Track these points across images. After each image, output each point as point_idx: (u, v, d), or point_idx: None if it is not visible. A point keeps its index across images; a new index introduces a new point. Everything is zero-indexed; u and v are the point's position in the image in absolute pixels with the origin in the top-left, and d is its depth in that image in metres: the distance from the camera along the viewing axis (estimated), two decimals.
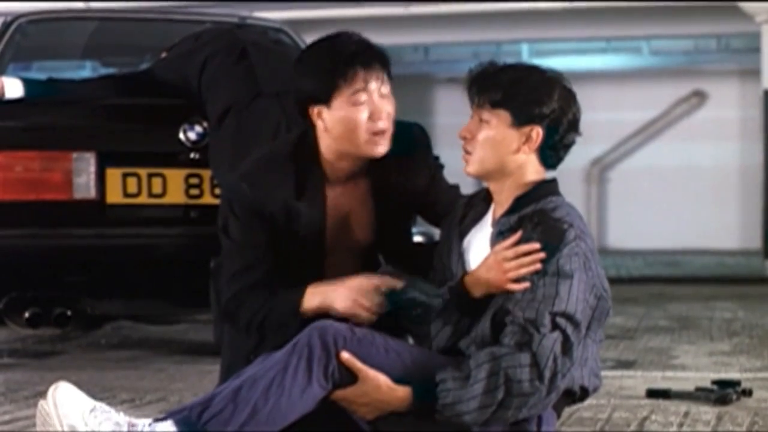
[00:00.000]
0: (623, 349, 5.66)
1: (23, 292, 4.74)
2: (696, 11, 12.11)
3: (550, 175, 3.07)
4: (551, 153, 3.00)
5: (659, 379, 4.63)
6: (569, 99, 3.00)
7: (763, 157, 11.38)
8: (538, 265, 2.85)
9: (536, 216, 2.93)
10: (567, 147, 3.03)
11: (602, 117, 15.12)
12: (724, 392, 4.05)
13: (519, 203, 2.98)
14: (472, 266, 3.01)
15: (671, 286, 10.06)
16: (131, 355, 5.61)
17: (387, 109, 3.16)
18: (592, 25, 12.68)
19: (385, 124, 3.15)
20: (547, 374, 2.80)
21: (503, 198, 3.01)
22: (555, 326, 2.83)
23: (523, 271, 2.86)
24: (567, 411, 3.82)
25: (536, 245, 2.86)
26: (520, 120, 2.96)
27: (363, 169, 3.24)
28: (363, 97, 3.12)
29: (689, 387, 4.21)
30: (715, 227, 14.76)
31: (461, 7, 12.09)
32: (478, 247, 3.03)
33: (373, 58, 3.15)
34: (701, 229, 14.79)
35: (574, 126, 3.01)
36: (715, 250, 14.47)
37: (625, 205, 15.06)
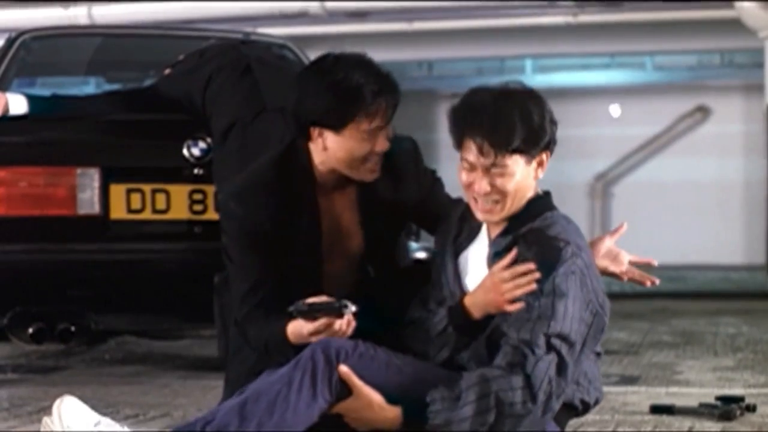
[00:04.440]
0: (627, 365, 5.65)
1: (27, 307, 4.74)
2: (700, 27, 12.12)
3: (543, 189, 3.06)
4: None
5: (663, 395, 4.63)
6: (550, 111, 2.98)
7: (767, 172, 11.37)
8: (534, 285, 2.84)
9: (531, 235, 2.92)
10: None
11: (606, 132, 15.14)
12: (727, 408, 4.05)
13: (514, 222, 2.97)
14: (469, 286, 3.01)
15: (675, 301, 10.04)
16: (135, 371, 5.60)
17: (387, 137, 3.20)
18: (596, 40, 12.68)
19: (382, 153, 3.19)
20: (542, 396, 2.80)
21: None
22: (550, 347, 2.82)
23: (519, 291, 2.85)
24: (570, 426, 3.82)
25: (532, 265, 2.85)
26: (534, 155, 2.95)
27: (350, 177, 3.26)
28: (373, 133, 3.15)
29: (693, 403, 4.21)
30: (718, 242, 14.75)
31: (465, 23, 12.10)
32: (475, 265, 3.03)
33: (392, 94, 3.17)
34: (705, 244, 14.78)
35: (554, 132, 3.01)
36: (719, 265, 14.45)
37: (629, 220, 14.82)
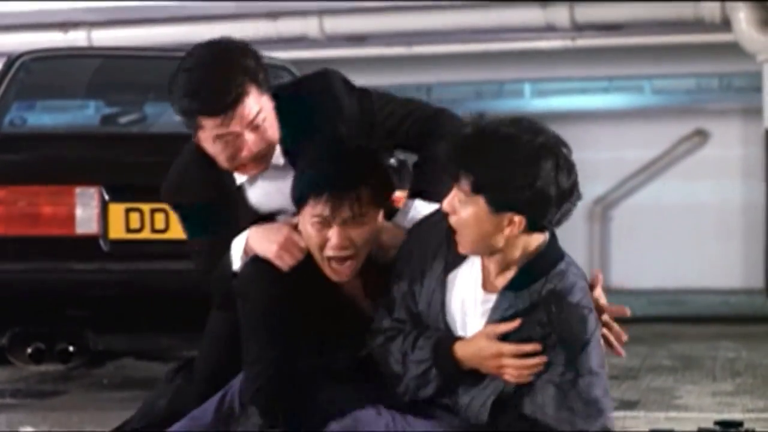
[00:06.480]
0: (626, 389, 5.64)
1: (26, 327, 4.74)
2: (698, 51, 12.15)
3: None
4: (546, 224, 2.75)
5: (662, 420, 4.62)
6: (557, 172, 2.67)
7: (765, 196, 11.37)
8: (540, 368, 2.73)
9: (552, 302, 2.75)
10: (564, 215, 2.75)
11: (605, 156, 15.14)
12: None
13: (526, 276, 2.77)
14: (455, 317, 2.85)
15: (674, 325, 10.02)
16: (134, 395, 5.57)
17: (348, 236, 2.86)
18: (594, 64, 12.72)
19: (339, 252, 2.86)
20: None
21: (495, 261, 2.79)
22: None
23: (526, 373, 2.73)
24: None
25: (537, 347, 2.71)
26: (497, 207, 2.69)
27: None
28: (321, 222, 2.86)
29: (692, 427, 4.20)
30: (717, 266, 14.74)
31: (463, 47, 12.12)
32: (466, 296, 2.85)
33: (352, 183, 2.83)
34: (704, 268, 14.77)
35: (565, 196, 2.70)
36: (718, 289, 14.43)
37: (628, 243, 15.04)
